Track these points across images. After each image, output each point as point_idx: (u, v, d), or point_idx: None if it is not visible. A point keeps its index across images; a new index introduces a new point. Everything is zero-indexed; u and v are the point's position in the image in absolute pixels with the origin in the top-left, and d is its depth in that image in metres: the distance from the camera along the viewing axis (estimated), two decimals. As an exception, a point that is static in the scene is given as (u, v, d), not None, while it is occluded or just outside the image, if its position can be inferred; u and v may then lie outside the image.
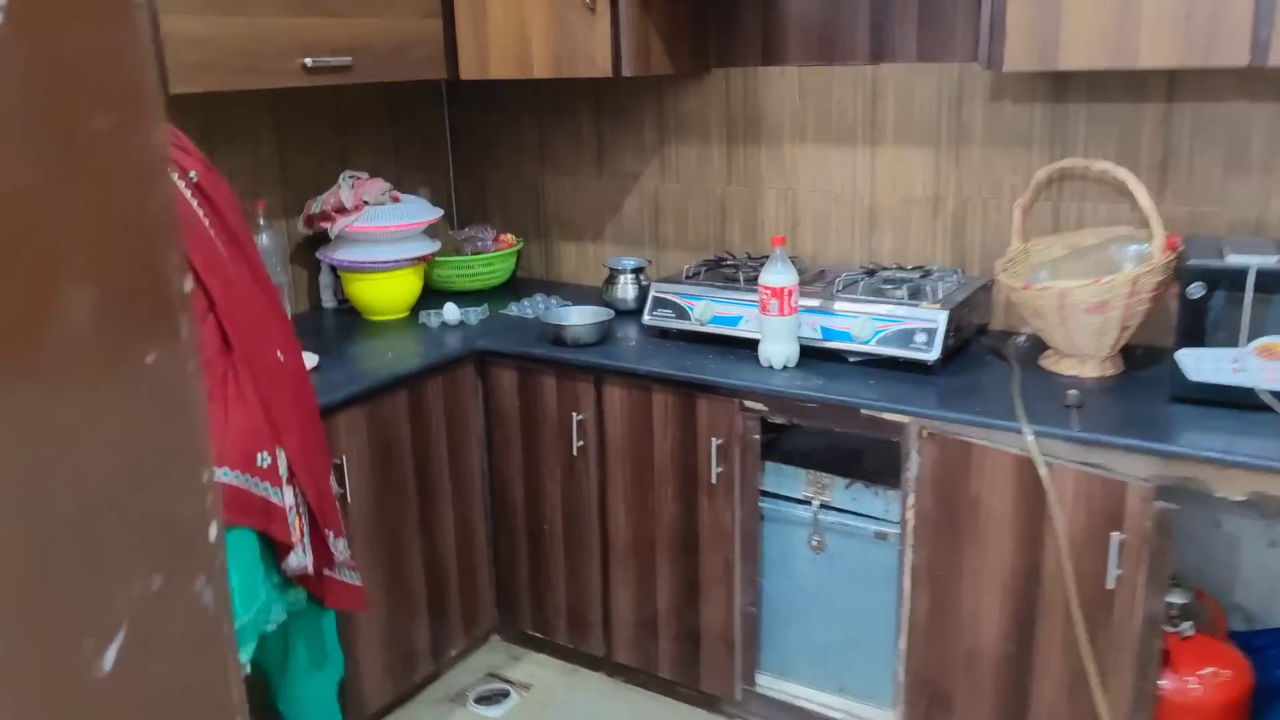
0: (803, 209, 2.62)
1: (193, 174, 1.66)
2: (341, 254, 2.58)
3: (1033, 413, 1.84)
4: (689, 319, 2.35)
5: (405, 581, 2.34)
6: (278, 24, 2.18)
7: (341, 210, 2.54)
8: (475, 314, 2.62)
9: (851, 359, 2.18)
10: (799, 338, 2.18)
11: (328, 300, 2.77)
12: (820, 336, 2.20)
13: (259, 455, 1.63)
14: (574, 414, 2.37)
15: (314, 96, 2.71)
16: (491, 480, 2.56)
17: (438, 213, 2.70)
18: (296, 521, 1.69)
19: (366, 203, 2.54)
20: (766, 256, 2.22)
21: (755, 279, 2.22)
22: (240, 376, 1.63)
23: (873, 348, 2.14)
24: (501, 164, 3.08)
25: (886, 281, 2.29)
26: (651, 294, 2.43)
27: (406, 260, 2.60)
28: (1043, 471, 1.77)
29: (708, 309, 2.33)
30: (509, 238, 3.02)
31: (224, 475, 1.59)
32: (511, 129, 3.04)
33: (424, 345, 2.45)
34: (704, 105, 2.70)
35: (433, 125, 3.12)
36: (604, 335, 2.41)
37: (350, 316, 2.69)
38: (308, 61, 2.21)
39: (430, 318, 2.61)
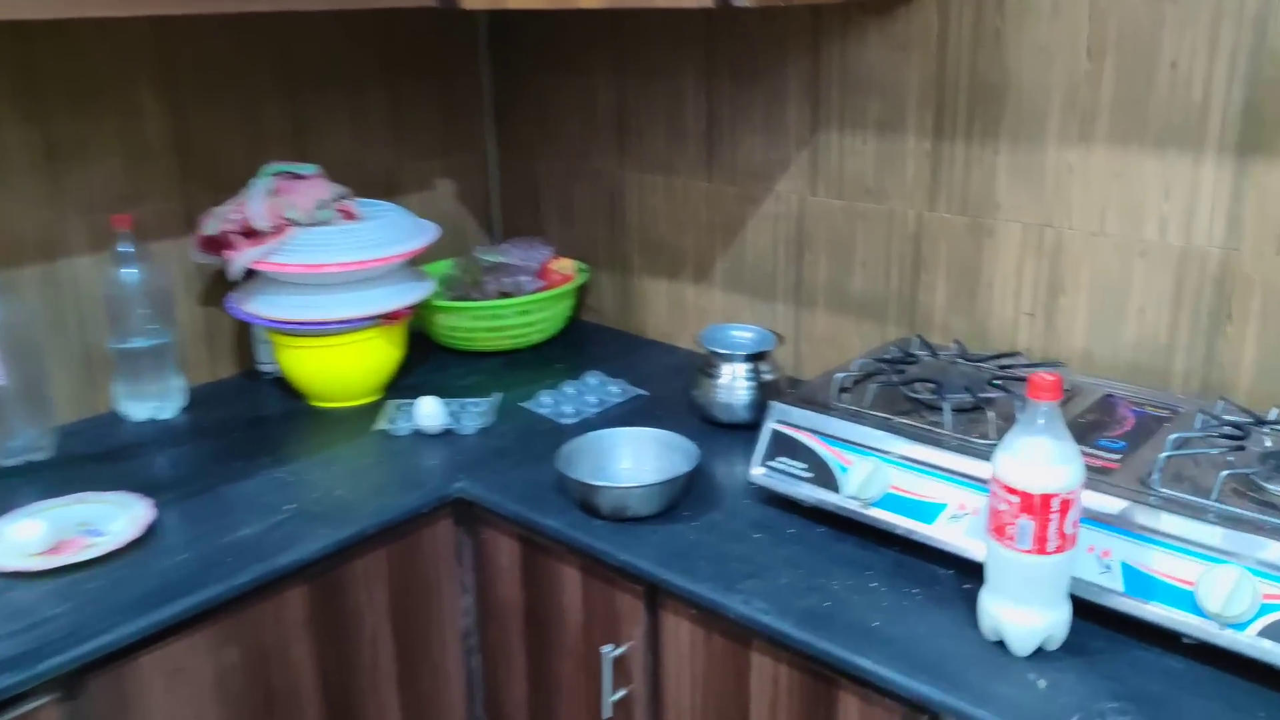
0: (1072, 265, 1.41)
1: None
2: (259, 303, 1.55)
3: None
4: (835, 487, 1.20)
5: None
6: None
7: (250, 233, 1.49)
8: (477, 414, 1.55)
9: (1187, 640, 0.99)
10: (1072, 582, 1.00)
11: (265, 362, 1.75)
12: (1121, 588, 1.01)
13: None
14: (610, 645, 1.27)
15: (237, 30, 1.66)
16: (482, 708, 1.50)
17: (427, 233, 1.62)
18: None
19: (290, 221, 1.48)
20: (996, 356, 1.05)
21: (975, 411, 1.05)
22: None
23: (1251, 640, 0.94)
24: (563, 151, 1.97)
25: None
26: (770, 426, 1.28)
27: (363, 319, 1.54)
28: None
29: (875, 476, 1.17)
30: (566, 265, 1.92)
31: None
32: (579, 99, 1.92)
33: (373, 474, 1.40)
34: (894, 62, 1.50)
35: (465, 89, 2.03)
36: (673, 501, 1.28)
37: (287, 397, 1.67)
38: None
39: (397, 417, 1.55)
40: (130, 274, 1.51)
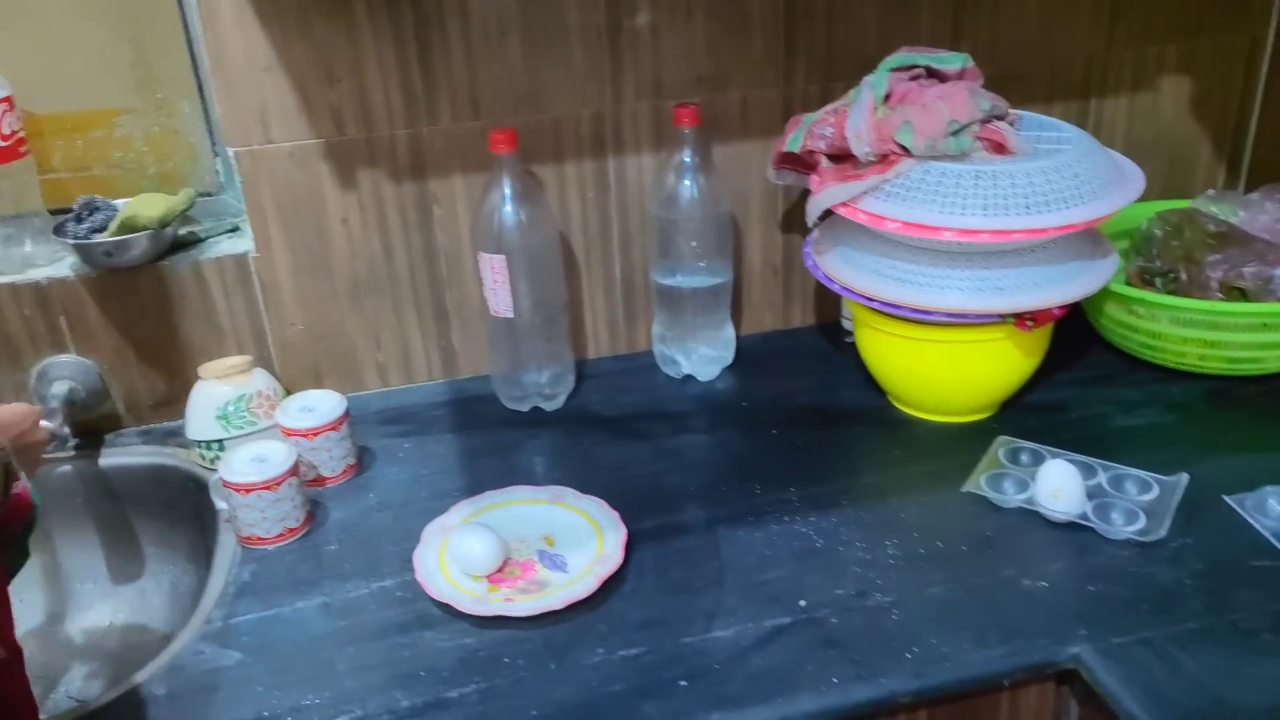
0: None
1: None
2: (841, 260, 1.06)
3: None
4: None
5: None
6: None
7: (842, 157, 0.99)
8: (1132, 507, 0.92)
9: None
10: None
11: (851, 318, 1.27)
12: None
13: None
14: None
15: None
16: None
17: (1128, 184, 0.97)
18: None
19: (903, 150, 0.94)
20: None
21: None
22: None
23: None
24: None
25: None
26: None
27: (988, 315, 0.97)
28: None
29: None
30: (1362, 252, 1.12)
31: None
32: None
33: (942, 577, 0.87)
34: None
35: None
36: None
37: (859, 381, 1.18)
38: None
39: (1004, 477, 0.98)
40: (684, 187, 1.11)
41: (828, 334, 1.31)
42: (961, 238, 0.91)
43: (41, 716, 1.06)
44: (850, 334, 1.26)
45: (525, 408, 1.16)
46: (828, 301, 1.31)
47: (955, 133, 0.92)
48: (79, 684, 1.08)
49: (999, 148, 0.95)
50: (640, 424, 1.14)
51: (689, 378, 1.22)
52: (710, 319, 1.19)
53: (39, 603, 1.13)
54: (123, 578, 1.15)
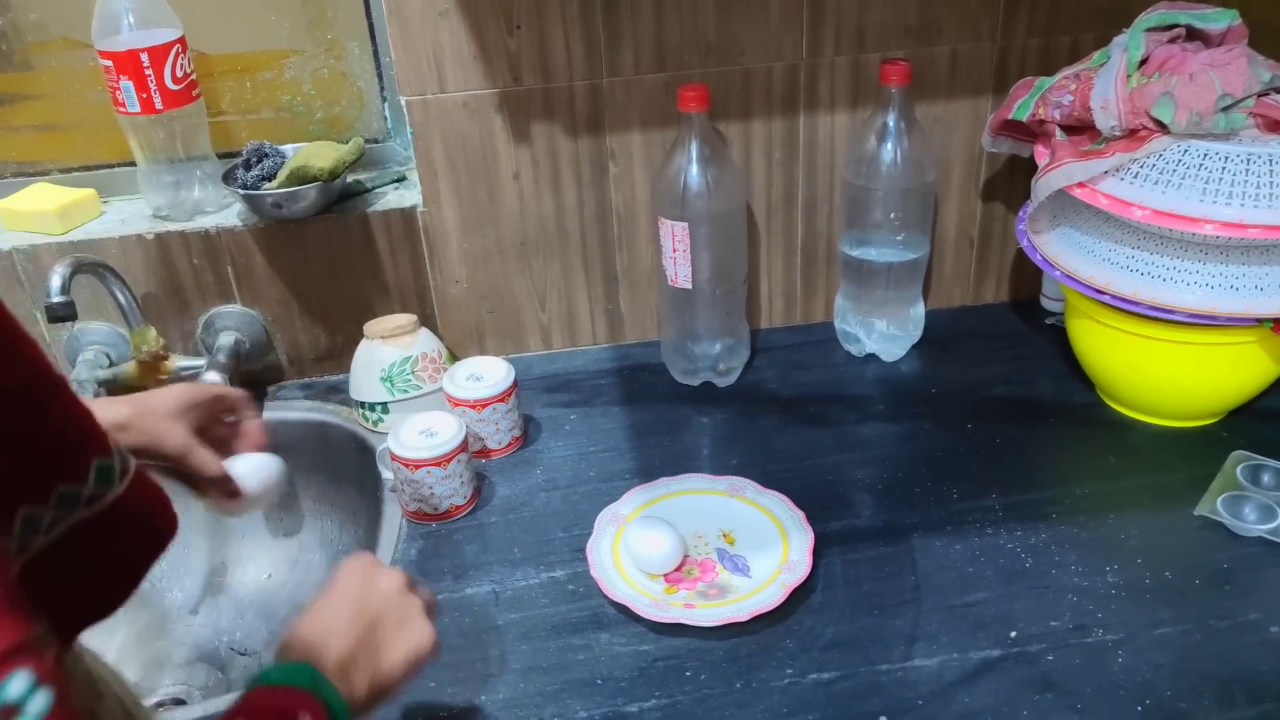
0: None
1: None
2: (1063, 241, 0.94)
3: None
4: None
5: None
6: None
7: (1080, 128, 0.87)
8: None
9: None
10: None
11: (1054, 299, 1.16)
12: None
13: None
14: None
15: None
16: None
17: None
18: None
19: (1159, 126, 0.82)
20: None
21: None
22: None
23: None
24: None
25: None
26: None
27: (1238, 320, 0.85)
28: None
29: None
30: None
31: None
32: None
33: (1178, 631, 0.78)
34: None
35: None
36: None
37: (1064, 370, 1.07)
38: None
39: (1243, 501, 0.87)
40: (885, 151, 1.01)
41: (1024, 313, 1.19)
42: (1226, 232, 0.79)
43: (206, 666, 1.07)
44: (1053, 316, 1.15)
45: (696, 382, 1.09)
46: (1026, 277, 1.19)
47: (1226, 108, 0.80)
48: (239, 636, 1.08)
49: (1275, 125, 0.82)
50: (820, 407, 1.06)
51: (871, 356, 1.12)
52: (901, 295, 1.09)
53: (203, 550, 1.12)
54: (280, 532, 1.14)
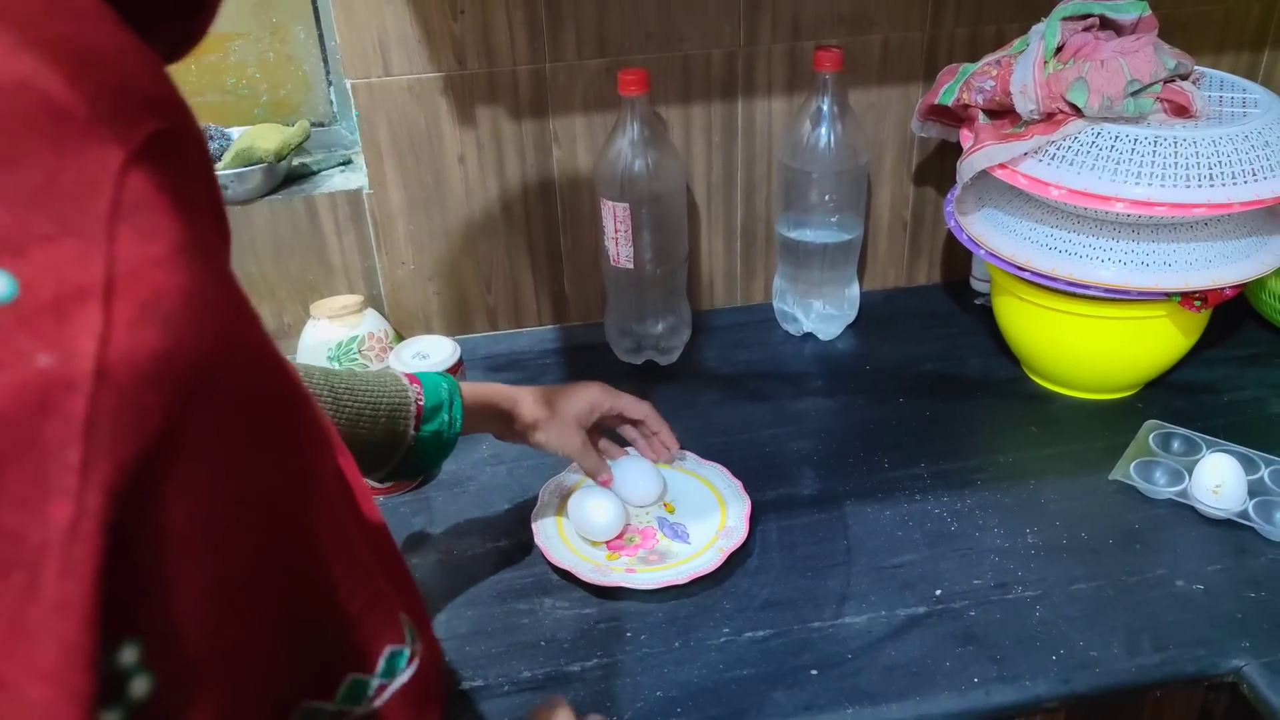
0: None
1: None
2: (987, 222, 0.99)
3: None
4: None
5: None
6: None
7: (1001, 113, 0.91)
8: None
9: None
10: None
11: (981, 279, 1.21)
12: None
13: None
14: None
15: None
16: None
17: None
18: None
19: (1074, 110, 0.86)
20: None
21: None
22: None
23: None
24: None
25: None
26: None
27: (1150, 294, 0.90)
28: None
29: None
30: None
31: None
32: None
33: (1090, 576, 0.83)
34: None
35: None
36: None
37: (992, 348, 1.12)
38: None
39: (1155, 466, 0.92)
40: (819, 136, 1.04)
41: (955, 294, 1.24)
42: (1135, 210, 0.84)
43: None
44: (981, 296, 1.20)
45: (639, 360, 1.12)
46: (956, 259, 1.24)
47: (1135, 93, 0.84)
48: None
49: (1180, 110, 0.87)
50: (758, 383, 1.09)
51: (809, 335, 1.16)
52: (837, 276, 1.13)
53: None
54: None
